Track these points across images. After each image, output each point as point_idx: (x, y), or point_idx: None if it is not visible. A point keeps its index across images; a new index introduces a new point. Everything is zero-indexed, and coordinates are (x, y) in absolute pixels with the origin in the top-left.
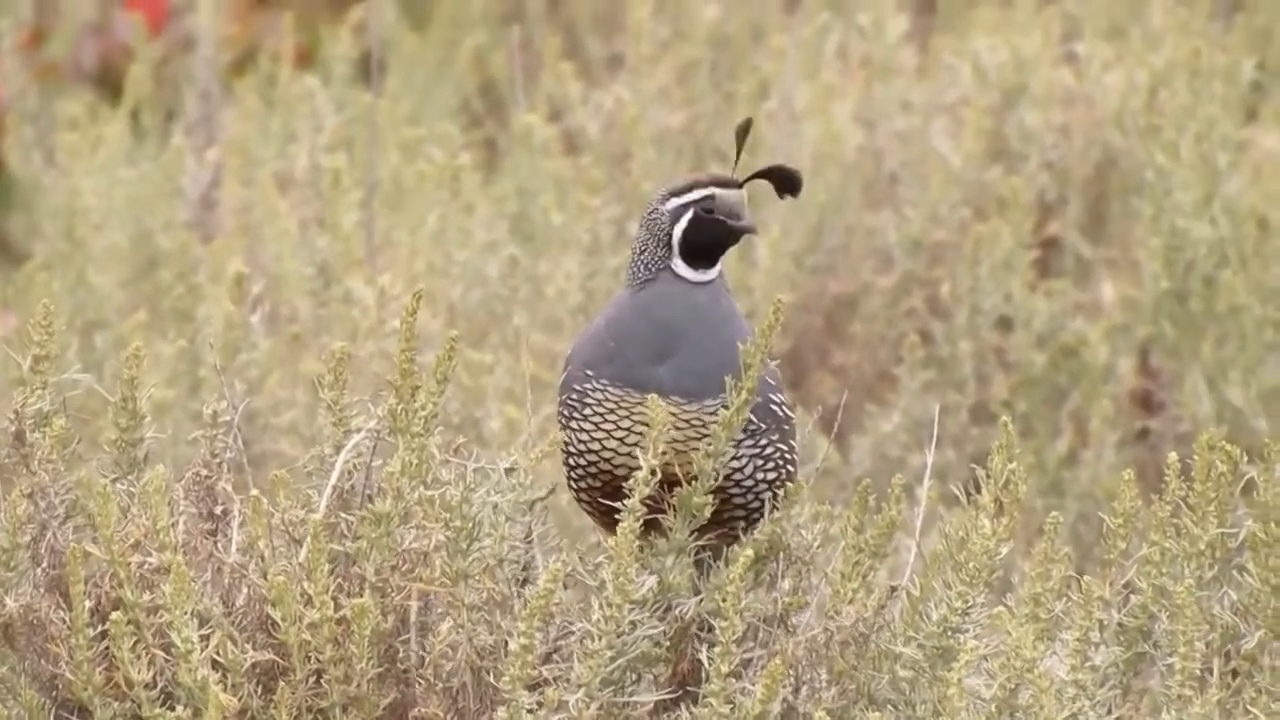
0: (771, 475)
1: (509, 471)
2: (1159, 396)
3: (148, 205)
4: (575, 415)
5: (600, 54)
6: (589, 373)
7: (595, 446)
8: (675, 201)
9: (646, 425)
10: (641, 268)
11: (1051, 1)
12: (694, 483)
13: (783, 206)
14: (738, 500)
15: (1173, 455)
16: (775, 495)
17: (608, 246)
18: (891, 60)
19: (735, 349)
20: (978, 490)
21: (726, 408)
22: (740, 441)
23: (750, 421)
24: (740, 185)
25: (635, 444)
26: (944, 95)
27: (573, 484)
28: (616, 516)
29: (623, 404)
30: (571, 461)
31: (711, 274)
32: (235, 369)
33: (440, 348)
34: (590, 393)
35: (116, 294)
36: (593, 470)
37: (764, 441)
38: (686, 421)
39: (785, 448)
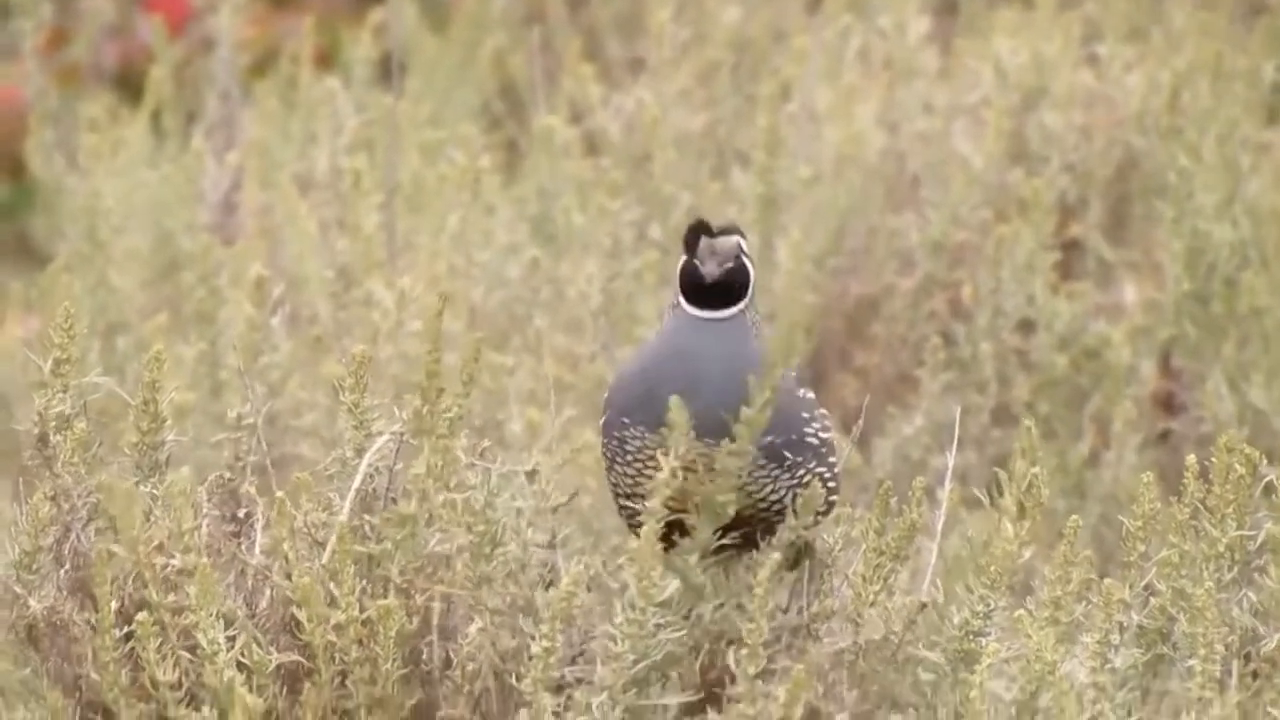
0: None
1: (531, 475)
2: (1181, 398)
3: (168, 208)
4: (619, 459)
5: (621, 56)
6: (625, 420)
7: (640, 491)
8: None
9: (689, 469)
10: (668, 310)
11: (1073, 4)
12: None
13: (804, 209)
14: (778, 522)
15: (1191, 457)
16: (820, 513)
17: (628, 249)
18: (913, 62)
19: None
20: (999, 493)
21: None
22: (777, 477)
23: (786, 458)
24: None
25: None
26: (965, 97)
27: (625, 518)
28: (674, 538)
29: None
30: (620, 501)
31: (727, 311)
32: (256, 371)
33: (463, 350)
34: (629, 440)
35: (138, 296)
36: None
37: (801, 472)
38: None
39: (824, 469)
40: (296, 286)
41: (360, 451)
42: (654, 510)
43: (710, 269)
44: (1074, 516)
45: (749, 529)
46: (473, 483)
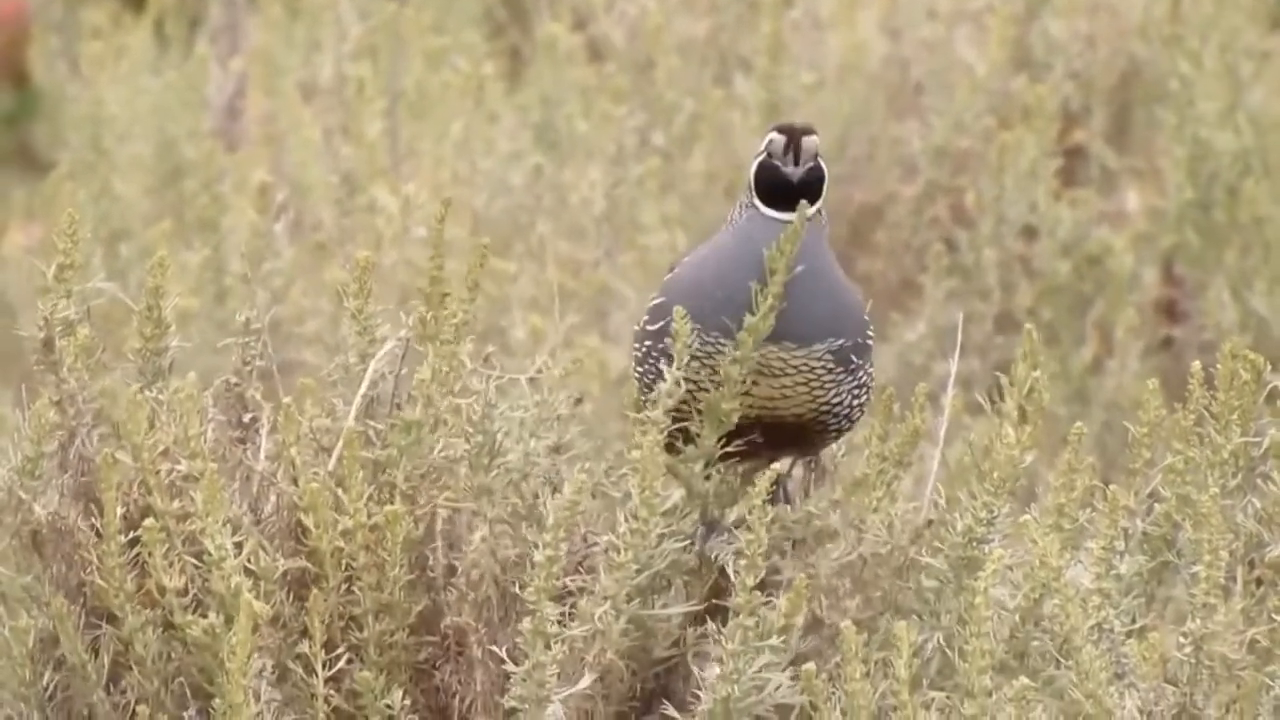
0: (862, 399)
1: (533, 382)
2: (1183, 305)
3: (172, 115)
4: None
5: None
6: (697, 327)
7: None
8: (759, 146)
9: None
10: (738, 209)
11: None
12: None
13: (808, 116)
14: (833, 426)
15: (1196, 364)
16: (861, 411)
17: (632, 155)
18: None
19: (841, 293)
20: (1002, 398)
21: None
22: (841, 381)
23: (852, 361)
24: (794, 131)
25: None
26: (969, 3)
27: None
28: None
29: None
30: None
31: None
32: (260, 278)
33: (467, 256)
34: (705, 344)
35: (141, 203)
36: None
37: (860, 374)
38: (795, 367)
39: (872, 369)
40: (300, 193)
41: (364, 358)
42: (658, 419)
43: (794, 170)
44: (1078, 423)
45: (802, 434)
46: (477, 388)
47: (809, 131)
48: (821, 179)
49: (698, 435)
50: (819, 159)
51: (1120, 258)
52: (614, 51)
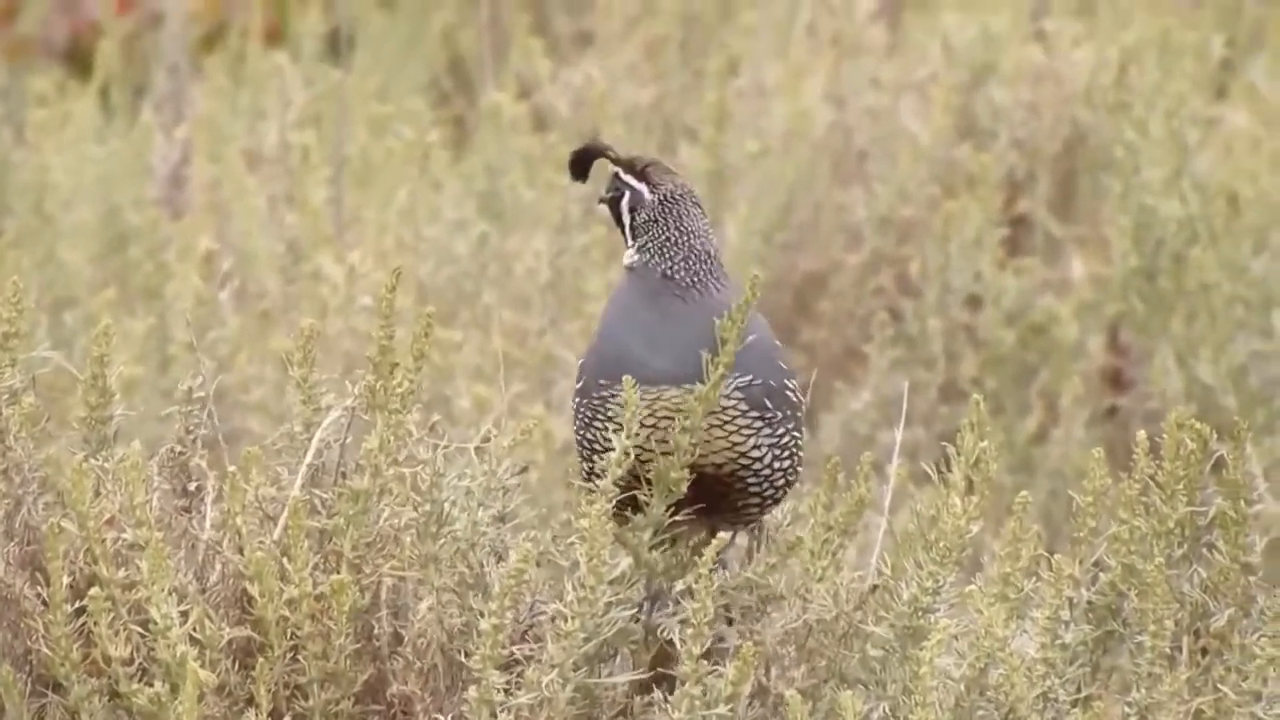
0: (786, 463)
1: (480, 451)
2: (1129, 374)
3: (117, 182)
4: (598, 419)
5: (569, 31)
6: (603, 381)
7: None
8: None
9: (669, 416)
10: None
11: None
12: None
13: (752, 184)
14: (754, 489)
15: (1141, 433)
16: (788, 482)
17: (576, 224)
18: (861, 37)
19: (713, 328)
20: (948, 468)
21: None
22: (759, 430)
23: (767, 407)
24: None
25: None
26: (913, 73)
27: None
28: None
29: (643, 400)
30: (597, 459)
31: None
32: (205, 346)
33: (413, 325)
34: (611, 400)
35: (86, 270)
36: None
37: (780, 430)
38: (676, 408)
39: (798, 434)
40: (245, 261)
41: (309, 426)
42: (607, 489)
43: (603, 192)
44: (1023, 492)
45: (722, 494)
46: (424, 457)
47: (587, 152)
48: (619, 196)
49: (646, 504)
50: (619, 176)
51: (1065, 326)
52: (558, 120)
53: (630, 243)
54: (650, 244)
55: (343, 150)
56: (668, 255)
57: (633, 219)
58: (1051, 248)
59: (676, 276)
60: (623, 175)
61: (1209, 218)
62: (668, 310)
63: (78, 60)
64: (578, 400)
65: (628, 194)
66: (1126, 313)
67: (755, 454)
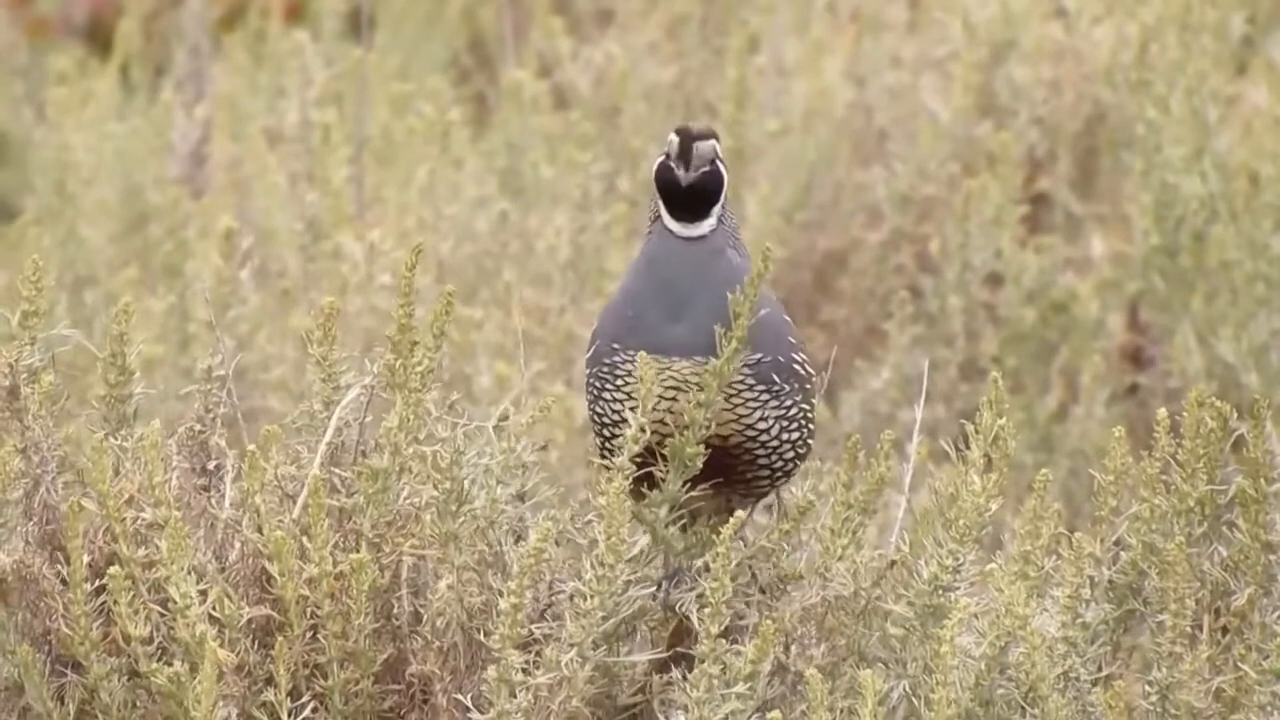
0: (795, 435)
1: (499, 429)
2: (1149, 352)
3: (137, 160)
4: (609, 387)
5: (590, 9)
6: (615, 346)
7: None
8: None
9: (677, 387)
10: (649, 215)
11: None
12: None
13: (773, 162)
14: (762, 461)
15: (1162, 412)
16: (798, 454)
17: (597, 202)
18: (881, 15)
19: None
20: (967, 446)
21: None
22: (765, 403)
23: (774, 381)
24: (688, 134)
25: (668, 407)
26: (934, 50)
27: (608, 455)
28: (643, 490)
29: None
30: (607, 432)
31: (703, 228)
32: (225, 324)
33: (433, 303)
34: (620, 365)
35: (106, 249)
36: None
37: (789, 403)
38: (685, 380)
39: (807, 407)
40: (265, 239)
41: (329, 405)
42: (623, 466)
43: (685, 174)
44: (1043, 470)
45: (731, 466)
46: (443, 436)
47: (705, 136)
48: (719, 184)
49: (662, 480)
50: (717, 164)
51: (1085, 304)
52: (579, 98)
53: (707, 215)
54: (725, 215)
55: (363, 128)
56: (734, 230)
57: (723, 193)
58: (1072, 226)
59: (740, 249)
60: (720, 152)
61: (1230, 195)
62: (704, 276)
63: (98, 38)
64: (589, 370)
65: (725, 171)
66: (1147, 291)
67: (762, 425)
